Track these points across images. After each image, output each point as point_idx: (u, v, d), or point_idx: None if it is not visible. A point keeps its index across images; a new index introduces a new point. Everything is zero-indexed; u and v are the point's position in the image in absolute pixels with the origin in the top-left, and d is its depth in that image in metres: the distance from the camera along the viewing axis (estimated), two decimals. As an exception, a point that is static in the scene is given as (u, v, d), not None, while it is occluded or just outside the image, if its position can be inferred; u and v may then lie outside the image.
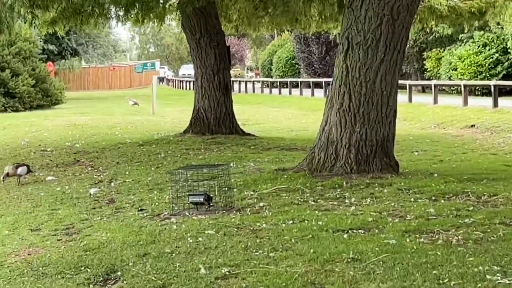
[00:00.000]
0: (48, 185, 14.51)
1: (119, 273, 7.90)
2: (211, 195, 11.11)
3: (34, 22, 22.17)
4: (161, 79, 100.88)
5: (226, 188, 11.52)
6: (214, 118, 21.00)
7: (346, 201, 11.08)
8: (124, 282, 7.56)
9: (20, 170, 14.85)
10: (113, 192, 13.20)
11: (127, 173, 15.06)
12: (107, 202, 12.43)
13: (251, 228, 9.46)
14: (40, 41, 53.16)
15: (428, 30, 30.28)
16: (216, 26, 21.60)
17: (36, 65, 45.27)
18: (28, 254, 9.13)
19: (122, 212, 11.45)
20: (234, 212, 10.65)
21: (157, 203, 11.75)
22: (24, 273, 8.19)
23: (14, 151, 20.29)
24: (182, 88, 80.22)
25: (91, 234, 9.95)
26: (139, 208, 11.53)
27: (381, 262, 7.56)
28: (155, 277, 7.57)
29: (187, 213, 10.76)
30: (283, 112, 38.52)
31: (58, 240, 9.86)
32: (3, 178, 14.82)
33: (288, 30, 39.32)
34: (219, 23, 21.89)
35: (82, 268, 8.17)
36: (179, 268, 7.82)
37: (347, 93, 13.03)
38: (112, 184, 14.07)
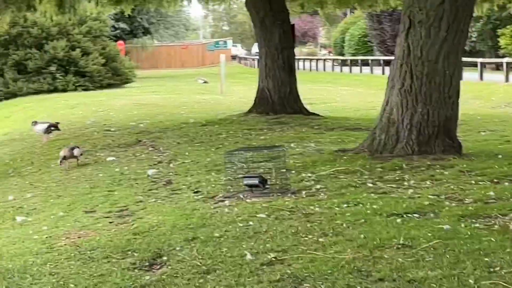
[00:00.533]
0: (108, 165, 14.50)
1: (165, 257, 7.77)
2: (266, 178, 10.91)
3: (100, 2, 22.21)
4: (233, 57, 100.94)
5: (283, 170, 11.32)
6: (278, 97, 20.78)
7: (405, 183, 10.79)
8: (169, 267, 7.43)
9: (76, 151, 14.81)
10: (171, 174, 13.11)
11: (186, 153, 14.96)
12: (164, 184, 12.34)
13: (304, 212, 9.25)
14: (112, 20, 53.56)
15: (497, 8, 29.46)
16: (281, 4, 21.34)
17: (106, 44, 45.60)
18: (78, 237, 9.08)
19: (178, 194, 11.34)
20: (289, 194, 10.45)
21: (213, 185, 11.61)
22: (71, 257, 8.12)
23: (79, 131, 20.40)
24: (255, 67, 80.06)
25: (143, 217, 9.86)
26: (195, 190, 11.40)
27: (432, 249, 7.30)
28: (200, 263, 7.43)
29: (241, 196, 10.60)
30: (352, 91, 38.11)
31: (110, 222, 9.80)
32: (61, 161, 14.78)
33: (356, 9, 38.73)
34: (284, 1, 21.63)
35: (129, 252, 8.08)
36: (225, 254, 7.66)
37: (408, 72, 12.70)
38: (171, 165, 13.99)
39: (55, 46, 41.79)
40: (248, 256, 7.49)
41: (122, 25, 65.48)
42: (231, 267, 7.22)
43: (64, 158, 14.80)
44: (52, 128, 18.33)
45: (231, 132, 17.45)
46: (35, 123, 18.89)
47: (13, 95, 40.85)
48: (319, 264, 7.08)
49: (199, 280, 6.97)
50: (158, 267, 7.58)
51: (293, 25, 22.42)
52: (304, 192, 10.54)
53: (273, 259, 7.37)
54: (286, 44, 21.04)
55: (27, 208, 11.84)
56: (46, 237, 9.35)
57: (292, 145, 14.82)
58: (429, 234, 7.79)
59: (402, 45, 12.81)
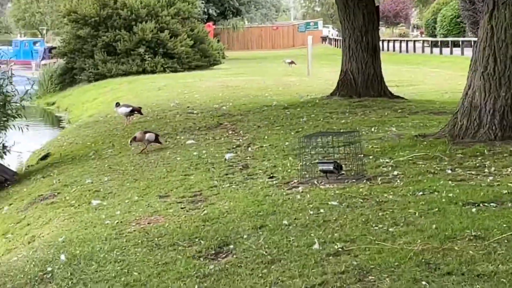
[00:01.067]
0: (187, 149, 14.47)
1: (231, 246, 7.68)
2: (341, 163, 10.71)
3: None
4: (324, 39, 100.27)
5: (361, 155, 11.09)
6: (362, 80, 20.45)
7: (485, 170, 10.44)
8: (234, 256, 7.33)
9: (148, 135, 14.78)
10: (248, 158, 13.00)
11: (266, 137, 14.83)
12: (240, 168, 12.24)
13: (377, 200, 9.02)
14: (202, 3, 53.71)
15: None
16: (365, -15, 20.96)
17: (195, 25, 45.76)
18: (148, 223, 9.06)
19: (253, 179, 11.23)
20: (364, 181, 10.23)
21: (289, 170, 11.46)
22: (138, 243, 8.10)
23: (161, 113, 20.48)
24: (344, 48, 79.10)
25: (215, 203, 9.78)
26: (270, 175, 11.27)
27: (505, 241, 7.01)
28: (266, 252, 7.31)
29: (315, 182, 10.43)
30: (441, 72, 37.38)
31: (182, 208, 9.75)
32: (131, 141, 14.83)
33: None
34: (368, -18, 21.24)
35: (196, 239, 8.00)
36: (292, 243, 7.52)
37: (491, 55, 12.28)
38: (250, 149, 13.88)
39: (144, 28, 42.12)
40: (315, 246, 7.32)
41: (212, 7, 65.65)
42: (296, 257, 7.07)
43: (134, 139, 14.80)
44: (135, 112, 18.42)
45: (312, 115, 17.24)
46: (118, 105, 19.01)
47: (102, 76, 41.37)
48: (386, 255, 6.87)
49: (262, 270, 6.84)
50: (224, 255, 7.49)
51: (378, 6, 22.01)
52: (379, 179, 10.29)
53: (340, 249, 7.19)
54: (370, 26, 20.66)
55: (103, 191, 11.89)
56: (117, 223, 9.36)
57: (372, 129, 14.54)
58: (504, 225, 7.49)
59: (485, 27, 12.40)
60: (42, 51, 64.94)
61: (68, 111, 34.96)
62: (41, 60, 59.90)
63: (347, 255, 7.02)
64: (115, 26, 42.67)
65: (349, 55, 20.62)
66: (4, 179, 15.40)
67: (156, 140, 14.91)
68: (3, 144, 15.96)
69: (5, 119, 15.75)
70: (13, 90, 16.24)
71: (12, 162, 18.36)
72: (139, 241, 8.18)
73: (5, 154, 16.00)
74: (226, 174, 11.83)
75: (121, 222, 9.37)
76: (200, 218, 8.89)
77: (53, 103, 40.37)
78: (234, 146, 14.31)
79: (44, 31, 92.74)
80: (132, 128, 18.02)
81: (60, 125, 31.43)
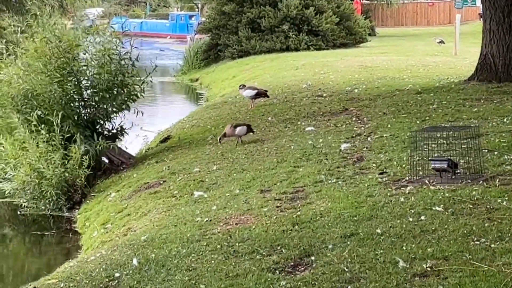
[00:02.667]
0: (304, 137, 13.78)
1: (313, 257, 7.01)
2: (459, 160, 9.79)
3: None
4: (481, 15, 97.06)
5: (483, 150, 10.13)
6: (503, 64, 19.09)
7: None
8: (311, 271, 6.64)
9: (238, 130, 13.98)
10: (365, 149, 12.20)
11: (389, 126, 13.95)
12: (354, 161, 11.49)
13: (488, 206, 8.11)
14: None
15: None
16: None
17: (341, 2, 44.71)
18: (236, 224, 8.49)
19: (362, 174, 10.48)
20: (481, 182, 9.27)
21: (403, 165, 10.61)
22: (217, 249, 7.55)
23: (290, 96, 19.78)
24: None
25: (313, 202, 9.11)
26: (382, 171, 10.47)
27: None
28: (347, 267, 6.59)
29: (427, 181, 9.54)
30: None
31: (277, 207, 9.13)
32: (220, 139, 14.09)
33: None
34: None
35: (278, 247, 7.37)
36: (378, 258, 6.76)
37: None
38: (369, 138, 13.05)
39: (289, 4, 41.46)
40: (401, 264, 6.52)
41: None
42: (378, 277, 6.31)
43: (225, 135, 14.04)
44: (261, 96, 17.79)
45: (444, 102, 16.16)
46: (243, 86, 18.39)
47: (246, 53, 40.99)
48: (479, 279, 6.03)
49: (336, 291, 6.11)
50: (302, 268, 6.82)
51: (523, -16, 20.49)
52: (498, 179, 9.30)
53: (429, 268, 6.39)
54: (515, 5, 19.25)
55: (208, 182, 11.42)
56: (206, 221, 8.87)
57: (505, 120, 13.39)
58: None
59: None
60: (196, 25, 65.36)
61: (208, 88, 34.84)
62: (195, 34, 60.27)
63: (435, 277, 6.21)
64: (259, 2, 42.19)
65: (490, 37, 19.31)
66: (120, 162, 15.18)
67: (249, 131, 14.16)
68: (121, 126, 15.71)
69: (126, 99, 15.43)
70: (136, 67, 15.89)
71: (139, 144, 18.21)
72: (219, 245, 7.61)
73: (123, 136, 15.74)
74: (338, 167, 11.11)
75: (210, 220, 8.85)
76: (291, 221, 8.22)
77: (197, 79, 40.40)
78: (354, 135, 13.51)
79: (200, 5, 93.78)
80: (255, 112, 17.46)
81: (198, 103, 31.31)
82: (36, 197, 13.40)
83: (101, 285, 6.95)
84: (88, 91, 15.14)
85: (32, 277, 9.74)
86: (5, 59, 14.69)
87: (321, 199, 9.21)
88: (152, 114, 28.41)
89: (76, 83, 14.63)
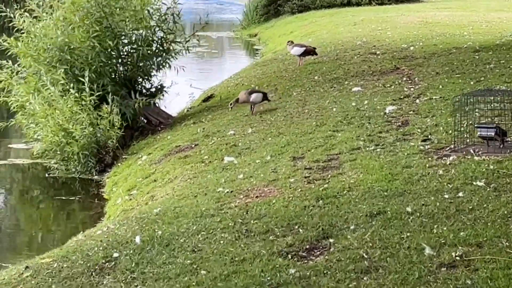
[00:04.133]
0: (349, 97, 12.96)
1: (331, 240, 6.29)
2: (506, 129, 8.92)
3: None
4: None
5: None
6: None
7: None
8: (326, 258, 5.89)
9: (254, 97, 12.88)
10: (411, 112, 11.36)
11: (440, 87, 13.03)
12: (398, 125, 10.68)
13: (536, 182, 7.23)
14: None
15: None
16: None
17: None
18: (256, 196, 7.79)
19: (404, 140, 9.69)
20: (532, 153, 8.39)
21: (449, 132, 9.74)
22: (229, 227, 6.88)
23: (342, 53, 18.86)
24: None
25: (344, 173, 8.35)
26: (426, 137, 9.64)
27: None
28: (366, 254, 5.84)
29: (471, 150, 8.68)
30: None
31: (305, 178, 8.40)
32: (231, 104, 13.02)
33: None
34: None
35: (295, 226, 6.66)
36: (403, 242, 6.02)
37: None
38: (417, 101, 12.18)
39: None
40: (427, 251, 5.75)
41: None
42: (398, 267, 5.57)
43: (237, 101, 12.94)
44: (309, 53, 16.93)
45: (502, 61, 15.12)
46: (291, 43, 17.55)
47: (306, 8, 39.90)
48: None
49: (349, 284, 5.37)
50: (318, 252, 6.11)
51: None
52: (553, 151, 8.41)
53: (458, 258, 5.61)
54: None
55: (241, 146, 10.74)
56: (227, 192, 8.20)
57: None
58: None
59: None
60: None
61: (265, 44, 34.00)
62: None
63: (463, 268, 5.44)
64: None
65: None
66: (158, 122, 14.54)
67: (264, 99, 13.11)
68: (161, 85, 15.04)
69: (166, 57, 14.75)
70: (179, 23, 15.17)
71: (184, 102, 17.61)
72: (232, 222, 6.94)
73: (162, 95, 15.07)
74: (379, 133, 10.31)
75: (231, 192, 8.17)
76: (315, 195, 7.49)
77: (255, 35, 39.56)
78: (401, 97, 12.64)
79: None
80: (303, 70, 16.63)
81: (255, 59, 30.53)
82: (65, 158, 12.82)
83: (96, 267, 6.33)
84: (126, 48, 14.46)
85: (53, 246, 9.15)
86: (42, 12, 14.05)
87: (354, 169, 8.45)
88: (205, 70, 27.81)
89: (113, 38, 13.95)
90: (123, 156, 12.93)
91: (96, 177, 12.67)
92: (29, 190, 12.93)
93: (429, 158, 8.57)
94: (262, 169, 9.11)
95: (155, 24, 14.59)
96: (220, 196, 8.00)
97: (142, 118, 14.36)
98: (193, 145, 11.52)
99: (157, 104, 14.96)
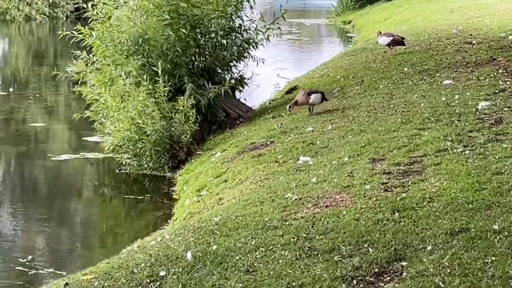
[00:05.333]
0: (439, 91, 12.03)
1: (404, 263, 5.48)
2: None
3: None
4: None
5: None
6: None
7: None
8: (397, 285, 5.08)
9: (313, 98, 11.91)
10: (506, 109, 10.42)
11: (539, 80, 12.01)
12: (491, 123, 9.77)
13: None
14: None
15: None
16: None
17: None
18: (326, 206, 7.01)
19: (498, 141, 8.84)
20: None
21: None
22: (290, 243, 6.16)
23: (434, 42, 17.77)
24: None
25: (426, 179, 7.52)
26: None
27: None
28: (442, 282, 5.03)
29: None
30: None
31: (382, 184, 7.57)
32: (290, 106, 12.08)
33: None
34: None
35: (365, 245, 5.90)
36: (488, 269, 5.17)
37: None
38: (516, 95, 11.19)
39: None
40: (515, 283, 4.90)
41: None
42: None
43: (296, 103, 12.01)
44: (397, 44, 15.98)
45: None
46: (379, 33, 16.67)
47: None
48: None
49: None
50: (387, 278, 5.29)
51: None
52: None
53: (552, 293, 4.72)
54: None
55: (318, 145, 9.99)
56: (296, 199, 7.43)
57: None
58: None
59: None
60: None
61: (359, 31, 33.02)
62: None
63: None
64: None
65: None
66: (237, 116, 13.86)
67: (323, 99, 12.19)
68: (240, 76, 14.35)
69: (246, 46, 14.07)
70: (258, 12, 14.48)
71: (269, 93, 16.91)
72: (294, 237, 6.20)
73: (242, 87, 14.39)
74: (469, 132, 9.42)
75: (300, 199, 7.42)
76: (391, 206, 6.68)
77: (350, 22, 38.55)
78: (496, 91, 11.65)
79: None
80: (392, 60, 15.67)
81: (347, 48, 29.60)
82: (138, 154, 12.25)
83: (140, 287, 5.64)
84: (204, 38, 13.81)
85: (114, 251, 8.57)
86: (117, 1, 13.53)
87: (438, 175, 7.60)
88: (294, 59, 27.07)
89: (190, 27, 13.32)
90: (197, 152, 12.30)
91: (168, 174, 12.05)
92: (101, 187, 12.42)
93: (523, 162, 7.66)
94: (337, 172, 8.35)
95: (232, 12, 13.88)
96: (287, 204, 7.27)
97: (220, 111, 13.68)
98: (268, 143, 10.81)
99: (237, 97, 14.30)
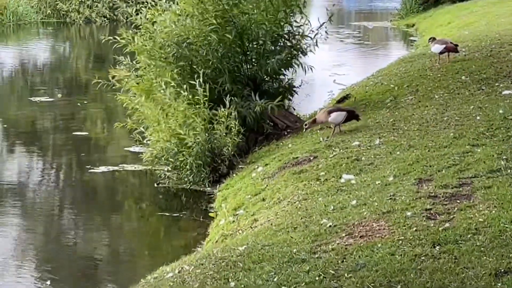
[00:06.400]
0: (497, 103, 11.27)
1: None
2: None
3: None
4: None
5: None
6: None
7: None
8: None
9: (333, 116, 10.87)
10: None
11: None
12: (552, 140, 9.00)
13: None
14: None
15: None
16: None
17: None
18: (360, 236, 6.42)
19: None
20: None
21: None
22: (313, 281, 5.48)
23: (497, 48, 16.61)
24: None
25: (473, 206, 6.88)
26: None
27: None
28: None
29: None
30: None
31: (425, 211, 6.94)
32: (306, 125, 11.17)
33: None
34: None
35: (398, 286, 5.24)
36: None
37: None
38: None
39: None
40: None
41: None
42: None
43: (314, 121, 11.05)
44: (450, 51, 15.14)
45: None
46: (432, 40, 15.87)
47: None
48: None
49: None
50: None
51: None
52: None
53: None
54: None
55: (364, 161, 9.37)
56: (330, 226, 6.81)
57: None
58: None
59: None
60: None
61: (421, 35, 32.09)
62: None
63: None
64: None
65: None
66: (285, 126, 13.22)
67: (351, 117, 11.11)
68: (289, 84, 13.72)
69: (295, 53, 13.45)
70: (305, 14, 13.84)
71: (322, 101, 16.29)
72: (320, 274, 5.61)
73: (291, 96, 13.76)
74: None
75: (334, 226, 6.80)
76: (432, 238, 6.05)
77: (413, 25, 37.61)
78: None
79: None
80: (449, 68, 14.83)
81: (409, 52, 28.73)
82: (177, 167, 11.70)
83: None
84: (251, 44, 13.22)
85: (143, 274, 8.03)
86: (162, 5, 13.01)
87: (488, 200, 6.93)
88: (353, 64, 26.32)
89: (236, 33, 12.75)
90: (240, 166, 11.71)
91: (208, 189, 11.44)
92: (137, 202, 11.86)
93: None
94: (379, 194, 7.72)
95: (282, 16, 13.26)
96: (320, 232, 6.67)
97: (268, 122, 13.08)
98: (311, 158, 10.19)
99: (286, 106, 13.71)
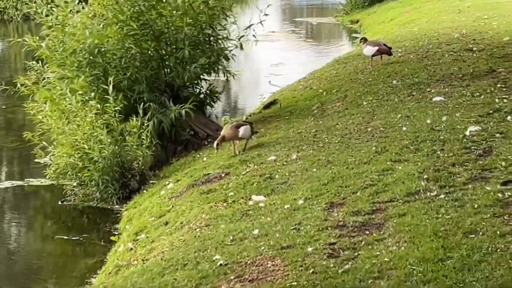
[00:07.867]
0: (426, 111, 10.58)
1: None
2: None
3: None
4: None
5: None
6: None
7: None
8: None
9: (242, 131, 10.17)
10: (497, 135, 9.01)
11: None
12: (478, 154, 8.40)
13: None
14: None
15: None
16: None
17: None
18: (249, 280, 5.62)
19: (482, 180, 7.58)
20: None
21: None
22: None
23: (434, 48, 16.17)
24: None
25: (381, 240, 6.22)
26: (507, 179, 7.30)
27: None
28: None
29: None
30: None
31: (328, 246, 6.17)
32: (217, 144, 10.21)
33: None
34: None
35: None
36: None
37: None
38: (509, 117, 9.74)
39: None
40: None
41: None
42: None
43: (223, 139, 10.26)
44: (382, 54, 14.45)
45: None
46: (363, 40, 15.16)
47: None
48: None
49: None
50: None
51: None
52: None
53: None
54: None
55: (276, 180, 8.65)
56: (220, 265, 6.01)
57: None
58: None
59: None
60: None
61: (363, 32, 31.46)
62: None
63: None
64: None
65: None
66: (205, 135, 12.42)
67: (253, 132, 10.63)
68: (210, 89, 12.92)
69: (216, 58, 12.65)
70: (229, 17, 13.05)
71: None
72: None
73: (214, 102, 12.97)
74: (452, 166, 8.09)
75: (225, 265, 5.99)
76: (327, 284, 5.25)
77: (357, 21, 37.01)
78: (490, 111, 10.19)
79: None
80: (381, 71, 14.13)
81: (353, 49, 28.04)
82: (83, 183, 10.82)
83: None
84: (168, 49, 12.40)
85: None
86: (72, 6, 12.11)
87: (399, 232, 6.21)
88: (291, 64, 25.52)
89: (153, 37, 11.92)
90: (151, 181, 10.87)
91: (117, 206, 10.60)
92: (35, 222, 10.94)
93: (506, 217, 6.23)
94: (284, 222, 7.00)
95: (202, 20, 12.45)
96: (208, 274, 5.90)
97: (188, 130, 12.27)
98: (223, 174, 9.42)
99: (208, 114, 12.93)
